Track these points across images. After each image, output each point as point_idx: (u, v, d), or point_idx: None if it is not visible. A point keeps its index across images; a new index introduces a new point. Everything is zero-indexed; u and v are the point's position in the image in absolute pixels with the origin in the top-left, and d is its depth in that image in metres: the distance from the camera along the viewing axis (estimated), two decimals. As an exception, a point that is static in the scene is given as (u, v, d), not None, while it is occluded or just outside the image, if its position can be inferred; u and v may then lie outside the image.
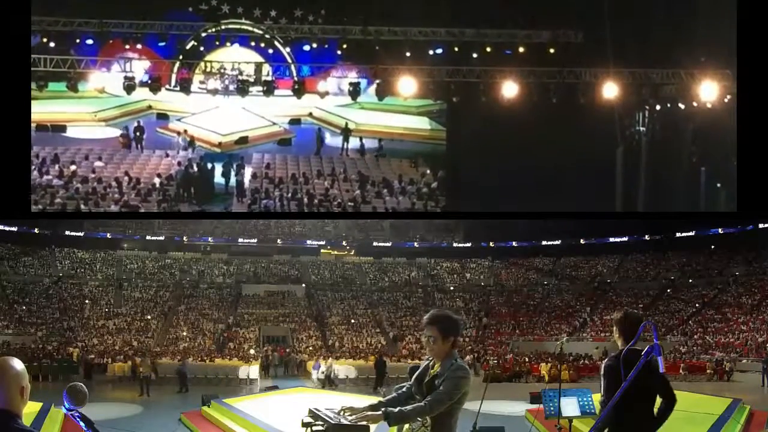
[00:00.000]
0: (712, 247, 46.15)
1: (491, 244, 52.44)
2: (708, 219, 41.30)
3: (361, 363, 30.58)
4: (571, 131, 7.44)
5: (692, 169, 7.45)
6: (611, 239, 49.77)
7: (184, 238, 51.51)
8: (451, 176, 7.96)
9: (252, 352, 35.11)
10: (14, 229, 44.75)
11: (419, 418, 3.35)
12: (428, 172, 16.61)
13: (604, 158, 7.54)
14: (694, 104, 7.21)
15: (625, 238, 49.62)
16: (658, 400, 4.25)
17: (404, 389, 3.63)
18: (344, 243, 54.29)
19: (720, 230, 44.80)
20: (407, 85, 7.80)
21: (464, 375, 3.37)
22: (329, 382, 25.23)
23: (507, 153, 7.48)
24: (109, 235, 50.03)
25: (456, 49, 7.77)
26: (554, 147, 7.34)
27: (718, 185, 7.18)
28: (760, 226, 38.88)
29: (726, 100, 7.02)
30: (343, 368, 28.36)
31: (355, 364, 30.00)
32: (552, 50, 7.47)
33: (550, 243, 51.34)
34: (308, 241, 53.53)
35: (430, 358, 3.55)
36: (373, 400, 3.69)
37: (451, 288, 49.65)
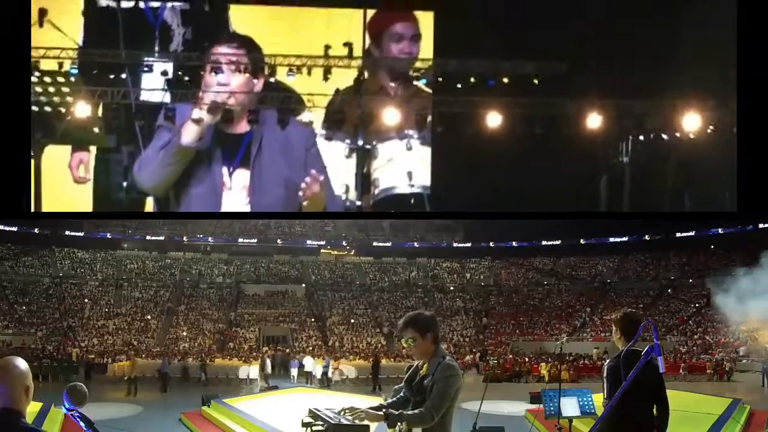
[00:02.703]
0: (712, 247, 46.16)
1: (491, 244, 52.44)
2: (708, 219, 41.29)
3: (360, 363, 30.61)
4: (556, 161, 7.51)
5: (675, 197, 7.53)
6: (611, 239, 49.78)
7: (184, 238, 51.52)
8: (434, 201, 8.08)
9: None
10: (14, 229, 44.75)
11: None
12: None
13: (588, 188, 7.61)
14: (677, 135, 7.30)
15: (625, 238, 49.63)
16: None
17: (402, 392, 3.64)
18: (344, 243, 54.30)
19: (720, 230, 44.81)
20: (391, 115, 7.80)
21: (453, 373, 3.35)
22: (322, 382, 25.17)
23: (491, 182, 7.54)
24: (109, 235, 50.04)
25: (440, 79, 7.79)
26: (538, 177, 7.40)
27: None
28: (760, 226, 38.87)
29: (708, 131, 7.12)
30: (345, 368, 28.38)
31: (355, 364, 30.02)
32: (536, 81, 7.50)
33: (550, 243, 51.34)
34: (308, 241, 53.54)
35: (418, 360, 3.54)
36: (373, 400, 3.70)
37: (451, 288, 49.65)
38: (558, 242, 51.19)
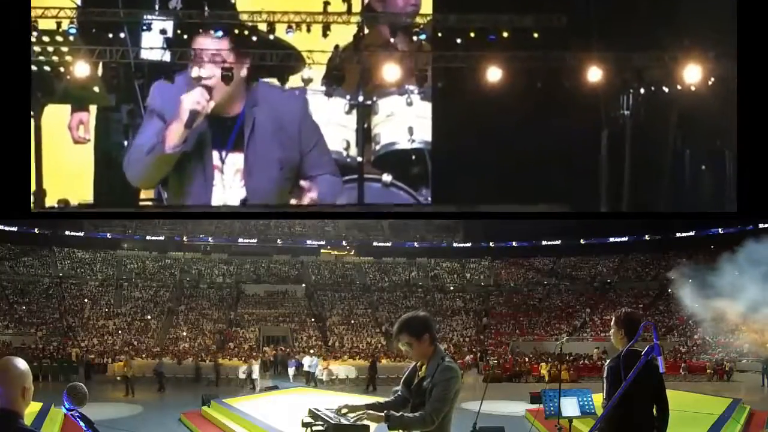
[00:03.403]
0: (712, 247, 46.13)
1: (491, 244, 52.42)
2: (708, 219, 41.27)
3: (360, 363, 30.60)
4: (557, 115, 7.44)
5: (677, 151, 7.46)
6: (611, 239, 49.76)
7: (184, 238, 51.50)
8: (434, 157, 7.98)
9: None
10: (14, 229, 44.74)
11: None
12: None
13: (589, 141, 7.55)
14: (679, 87, 7.22)
15: (625, 238, 49.61)
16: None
17: (400, 393, 3.62)
18: (344, 243, 54.29)
19: (720, 230, 44.79)
20: (392, 71, 7.74)
21: (453, 375, 3.33)
22: (314, 381, 25.16)
23: (492, 137, 7.47)
24: (109, 235, 50.02)
25: (440, 34, 7.71)
26: (540, 130, 7.33)
27: (703, 167, 7.23)
28: (760, 226, 38.83)
29: (710, 83, 7.04)
30: (344, 368, 28.42)
31: (349, 364, 30.02)
32: (536, 35, 7.43)
33: (550, 243, 51.32)
34: (308, 241, 53.52)
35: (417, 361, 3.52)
36: (370, 399, 3.69)
37: (451, 288, 49.64)
38: (558, 242, 51.17)
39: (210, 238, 52.29)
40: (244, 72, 6.74)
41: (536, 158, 7.52)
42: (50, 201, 7.53)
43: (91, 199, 7.72)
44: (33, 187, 7.34)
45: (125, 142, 7.68)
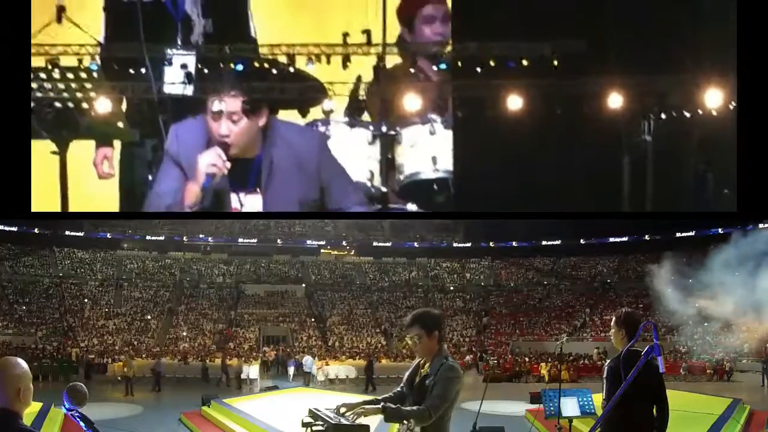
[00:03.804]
0: (712, 247, 46.11)
1: (491, 244, 52.45)
2: (708, 219, 41.27)
3: (359, 363, 30.60)
4: (577, 142, 7.46)
5: (699, 176, 7.47)
6: (611, 239, 49.77)
7: (184, 238, 51.53)
8: (457, 187, 8.07)
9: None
10: (14, 229, 44.77)
11: (405, 422, 3.34)
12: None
13: (610, 167, 7.57)
14: (699, 112, 7.23)
15: (625, 238, 49.63)
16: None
17: (399, 389, 3.64)
18: (344, 243, 54.32)
19: (720, 230, 44.79)
20: (413, 101, 7.77)
21: (455, 375, 3.36)
22: (309, 380, 25.19)
23: (513, 164, 7.50)
24: (109, 235, 50.06)
25: (459, 63, 7.78)
26: (560, 157, 7.36)
27: (726, 191, 7.22)
28: (760, 226, 38.85)
29: (731, 107, 7.06)
30: (344, 368, 28.42)
31: (351, 364, 30.03)
32: (555, 62, 7.47)
33: (550, 243, 51.34)
34: (308, 241, 53.55)
35: (421, 358, 3.55)
36: (369, 399, 3.70)
37: (451, 288, 49.67)
38: (558, 242, 51.19)
39: (210, 238, 52.32)
40: (262, 121, 6.72)
41: (557, 185, 7.53)
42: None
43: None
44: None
45: (150, 177, 7.71)
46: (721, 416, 11.03)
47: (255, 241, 52.35)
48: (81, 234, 48.62)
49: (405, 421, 3.34)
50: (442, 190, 8.09)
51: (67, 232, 47.81)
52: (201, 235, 52.11)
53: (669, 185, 7.43)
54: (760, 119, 6.41)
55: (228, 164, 6.54)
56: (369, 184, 7.91)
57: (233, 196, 6.93)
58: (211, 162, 6.45)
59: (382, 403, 3.35)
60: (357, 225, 53.57)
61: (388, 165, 7.91)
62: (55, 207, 7.35)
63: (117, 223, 48.73)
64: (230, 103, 6.36)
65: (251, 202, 6.95)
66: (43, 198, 7.35)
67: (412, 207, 8.03)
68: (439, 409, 3.28)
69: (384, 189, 7.89)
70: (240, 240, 52.30)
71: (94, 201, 7.92)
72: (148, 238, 51.09)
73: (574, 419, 6.56)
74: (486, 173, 7.62)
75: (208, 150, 6.48)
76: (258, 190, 6.83)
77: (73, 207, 7.48)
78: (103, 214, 8.56)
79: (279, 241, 52.95)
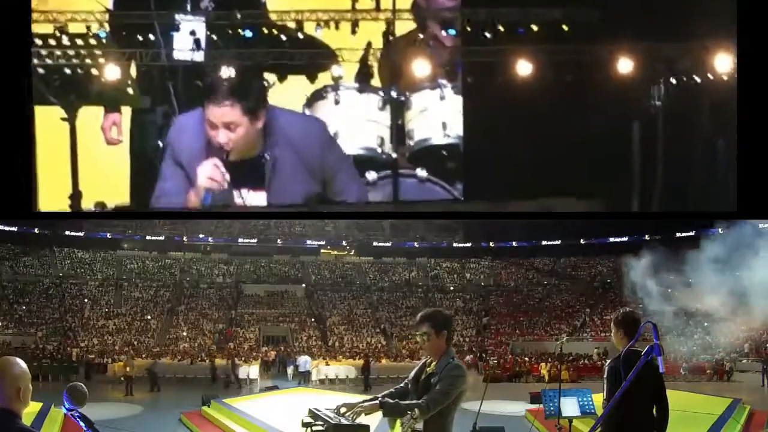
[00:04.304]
0: (710, 246, 46.06)
1: (491, 244, 52.43)
2: (708, 219, 41.23)
3: (358, 363, 30.58)
4: (587, 108, 7.43)
5: (709, 141, 7.43)
6: (611, 239, 49.74)
7: (184, 238, 51.53)
8: (465, 151, 8.01)
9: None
10: (14, 229, 44.75)
11: (409, 412, 3.34)
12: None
13: (620, 133, 7.53)
14: (710, 77, 7.18)
15: (625, 238, 49.59)
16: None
17: (401, 386, 3.66)
18: (344, 243, 54.31)
19: (720, 230, 44.76)
20: (423, 66, 7.75)
21: (461, 374, 3.39)
22: (305, 380, 25.17)
23: (523, 131, 7.48)
24: (109, 235, 50.06)
25: (468, 29, 7.72)
26: (570, 123, 7.33)
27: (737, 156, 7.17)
28: (760, 226, 38.82)
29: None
30: (343, 368, 28.42)
31: (350, 364, 30.01)
32: (565, 27, 7.44)
33: (550, 243, 51.33)
34: (308, 241, 53.55)
35: (427, 357, 3.56)
36: (369, 398, 3.71)
37: (451, 288, 49.66)
38: (558, 242, 51.16)
39: (210, 238, 52.31)
40: (260, 124, 6.66)
41: (568, 151, 7.50)
42: (86, 203, 7.53)
43: (128, 201, 7.73)
44: (69, 190, 7.34)
45: (160, 143, 7.66)
46: (721, 416, 11.02)
47: (255, 241, 52.35)
48: (81, 234, 48.61)
49: (407, 412, 3.34)
50: (452, 156, 8.04)
51: (67, 232, 47.80)
52: (201, 235, 52.11)
53: (678, 148, 7.40)
54: (760, 119, 6.41)
55: (228, 176, 6.50)
56: (379, 150, 7.83)
57: (236, 194, 6.89)
58: (209, 176, 6.39)
59: (379, 399, 3.37)
60: (357, 225, 53.56)
61: (398, 131, 7.85)
62: (65, 177, 7.31)
63: (117, 222, 48.72)
64: (227, 113, 6.28)
65: (254, 199, 6.91)
66: (53, 170, 7.30)
67: (422, 173, 7.94)
68: (439, 403, 3.29)
69: (394, 155, 7.83)
70: (240, 240, 52.30)
71: (104, 171, 7.83)
72: (148, 238, 51.08)
73: (574, 419, 6.56)
74: (496, 139, 7.59)
75: (206, 161, 6.42)
76: (261, 186, 6.79)
77: (83, 176, 7.43)
78: (103, 214, 8.51)
79: (279, 241, 52.94)
